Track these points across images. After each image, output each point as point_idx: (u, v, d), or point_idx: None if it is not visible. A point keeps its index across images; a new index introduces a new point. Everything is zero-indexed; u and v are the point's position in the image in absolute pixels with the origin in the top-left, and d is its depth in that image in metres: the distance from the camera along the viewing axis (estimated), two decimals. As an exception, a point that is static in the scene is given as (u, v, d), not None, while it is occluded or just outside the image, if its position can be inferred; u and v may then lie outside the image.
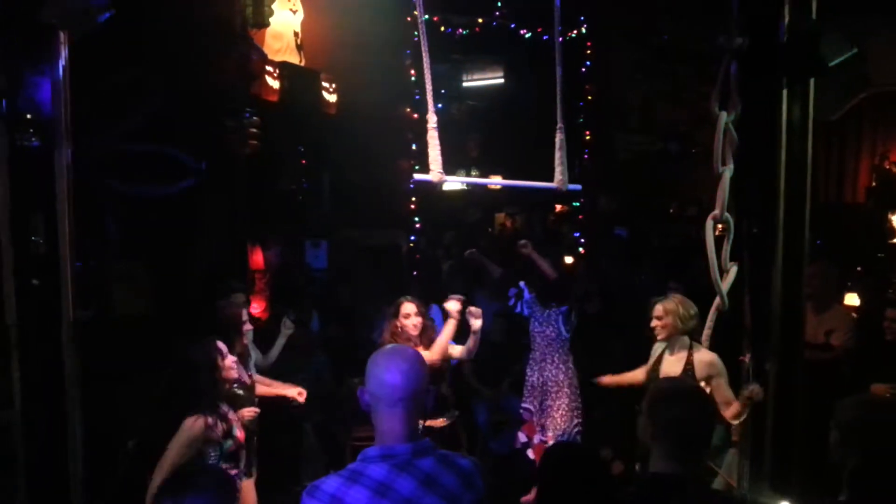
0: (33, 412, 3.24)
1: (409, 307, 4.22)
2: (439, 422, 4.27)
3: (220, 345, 3.42)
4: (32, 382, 3.22)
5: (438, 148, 3.63)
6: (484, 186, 8.63)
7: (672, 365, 3.85)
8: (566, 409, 5.10)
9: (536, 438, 5.21)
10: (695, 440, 2.13)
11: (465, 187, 9.18)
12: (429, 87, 3.65)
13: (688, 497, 2.03)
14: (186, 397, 3.18)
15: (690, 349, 3.82)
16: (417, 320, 4.19)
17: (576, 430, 5.13)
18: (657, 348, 4.06)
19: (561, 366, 5.18)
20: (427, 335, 4.25)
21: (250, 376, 4.07)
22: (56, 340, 3.28)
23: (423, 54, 3.63)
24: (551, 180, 3.86)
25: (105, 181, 4.57)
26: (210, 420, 3.15)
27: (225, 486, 2.46)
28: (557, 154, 3.79)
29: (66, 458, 3.27)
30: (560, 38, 3.83)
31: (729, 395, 3.68)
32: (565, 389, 5.13)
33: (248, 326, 4.07)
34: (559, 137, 3.78)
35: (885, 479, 2.09)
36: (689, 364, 3.78)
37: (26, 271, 3.30)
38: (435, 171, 3.62)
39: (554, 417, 5.10)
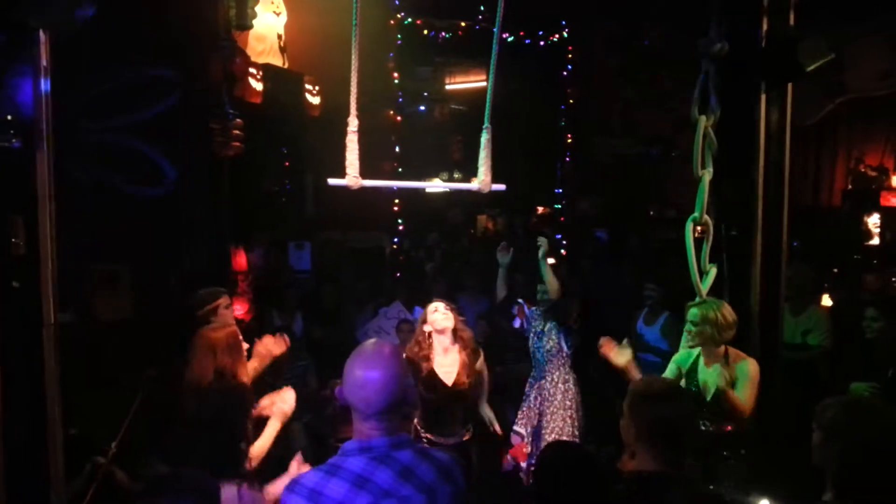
0: (13, 416, 3.20)
1: (435, 304, 4.03)
2: (450, 441, 4.04)
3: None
4: (12, 386, 3.18)
5: (357, 152, 3.62)
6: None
7: (710, 376, 3.51)
8: (558, 435, 4.75)
9: (526, 464, 4.86)
10: (679, 439, 2.14)
11: (446, 190, 9.21)
12: (354, 89, 3.59)
13: (673, 496, 2.05)
14: (221, 463, 2.62)
15: (727, 356, 3.55)
16: (447, 312, 3.99)
17: None
18: (686, 356, 3.72)
19: (560, 384, 4.83)
20: (461, 335, 4.03)
21: None
22: (36, 344, 3.24)
23: (353, 55, 3.56)
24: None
25: (91, 175, 4.51)
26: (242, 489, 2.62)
27: (205, 492, 2.41)
28: (482, 154, 3.72)
29: (47, 462, 3.23)
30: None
31: (748, 400, 3.42)
32: (560, 412, 4.79)
33: (245, 345, 3.64)
34: (485, 138, 3.73)
35: (868, 478, 2.11)
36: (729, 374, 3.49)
37: (6, 274, 3.26)
38: (350, 175, 3.61)
39: (545, 441, 4.73)
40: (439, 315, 3.97)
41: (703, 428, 3.45)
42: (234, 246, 5.64)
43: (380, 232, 8.20)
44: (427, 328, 3.99)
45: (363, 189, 3.63)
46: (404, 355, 3.61)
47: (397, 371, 1.87)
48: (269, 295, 6.29)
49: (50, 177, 3.26)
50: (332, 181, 3.63)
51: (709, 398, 3.45)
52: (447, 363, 3.96)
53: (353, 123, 3.62)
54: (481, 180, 3.70)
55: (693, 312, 3.58)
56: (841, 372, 4.40)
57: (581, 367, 5.16)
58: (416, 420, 4.07)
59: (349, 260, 8.06)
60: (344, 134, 3.63)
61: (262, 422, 3.46)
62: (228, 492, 2.53)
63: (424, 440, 3.98)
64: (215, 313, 4.02)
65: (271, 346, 3.91)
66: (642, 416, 2.15)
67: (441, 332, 3.95)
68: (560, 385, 4.84)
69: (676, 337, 4.03)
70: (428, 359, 3.97)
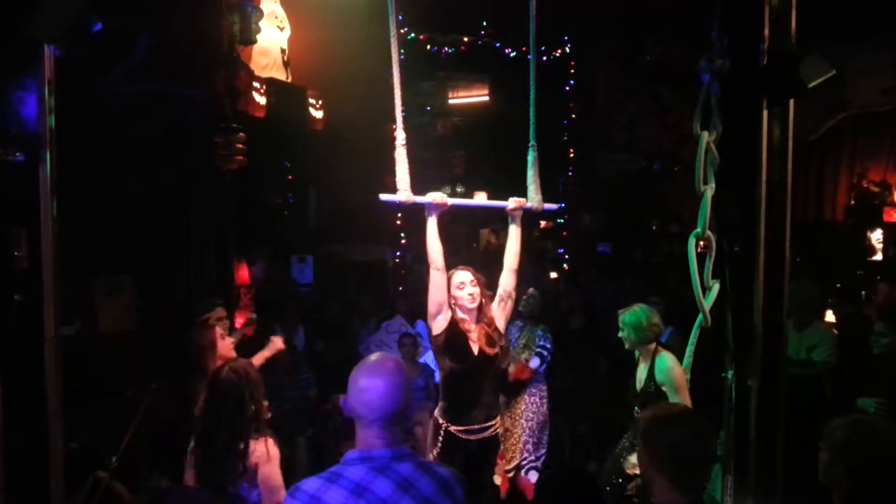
0: (14, 428, 3.19)
1: (462, 275, 3.59)
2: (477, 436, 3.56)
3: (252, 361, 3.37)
4: (14, 398, 3.18)
5: (406, 166, 3.44)
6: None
7: (641, 371, 4.08)
8: (517, 439, 5.00)
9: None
10: (695, 466, 2.04)
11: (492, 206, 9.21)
12: (398, 102, 3.50)
13: None
14: (231, 430, 2.76)
15: (654, 354, 3.99)
16: (475, 290, 3.55)
17: (529, 463, 5.02)
18: (636, 354, 4.23)
19: (525, 396, 5.08)
20: (485, 313, 3.61)
21: None
22: (38, 356, 3.24)
23: (395, 71, 3.53)
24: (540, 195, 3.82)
25: (121, 119, 4.58)
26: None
27: None
28: (531, 172, 3.72)
29: (48, 474, 3.22)
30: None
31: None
32: (521, 421, 5.03)
33: (226, 340, 4.00)
34: (532, 156, 3.72)
35: (876, 500, 2.08)
36: (651, 370, 3.98)
37: (8, 286, 3.27)
38: (403, 190, 3.42)
39: (507, 446, 4.90)
40: (465, 295, 3.55)
41: (636, 415, 3.95)
42: (236, 259, 5.66)
43: (382, 246, 8.21)
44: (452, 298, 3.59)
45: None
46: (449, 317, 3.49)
47: (401, 380, 1.89)
48: (272, 308, 6.29)
49: (53, 190, 3.27)
50: (383, 197, 3.44)
51: (638, 390, 4.04)
52: (472, 336, 3.58)
53: (400, 136, 3.46)
54: (534, 199, 3.71)
55: (619, 319, 4.08)
56: (845, 388, 4.37)
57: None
58: (437, 412, 3.63)
59: (351, 274, 8.07)
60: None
61: None
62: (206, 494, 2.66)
63: (446, 433, 3.53)
64: (204, 325, 4.08)
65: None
66: (655, 442, 2.06)
67: (466, 311, 3.58)
68: (525, 397, 5.05)
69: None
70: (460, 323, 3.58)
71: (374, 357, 1.97)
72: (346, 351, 6.33)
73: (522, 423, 5.03)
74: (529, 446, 5.06)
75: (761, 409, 3.63)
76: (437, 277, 3.48)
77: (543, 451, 5.11)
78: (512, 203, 3.63)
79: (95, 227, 4.43)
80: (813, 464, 2.30)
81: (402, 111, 3.52)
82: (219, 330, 4.01)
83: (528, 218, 3.88)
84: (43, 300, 3.26)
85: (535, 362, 5.06)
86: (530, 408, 5.09)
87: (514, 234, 3.67)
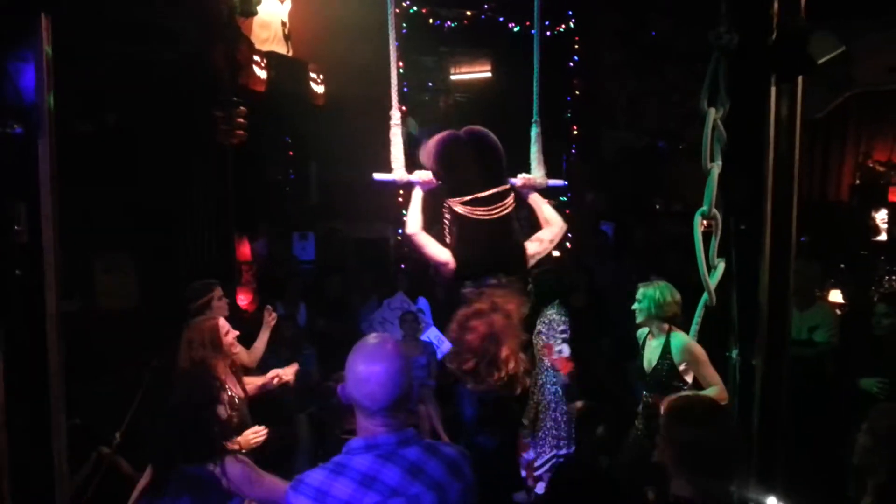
0: (16, 405, 3.19)
1: None
2: None
3: (220, 374, 3.33)
4: (15, 375, 3.17)
5: (401, 146, 3.54)
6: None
7: (653, 351, 4.04)
8: (555, 426, 4.81)
9: (530, 454, 4.97)
10: (716, 465, 1.96)
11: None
12: (394, 81, 3.54)
13: None
14: (176, 446, 2.69)
15: (668, 334, 4.00)
16: None
17: (563, 452, 4.85)
18: (640, 334, 4.21)
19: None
20: None
21: (244, 389, 3.67)
22: (39, 332, 3.23)
23: (392, 50, 3.57)
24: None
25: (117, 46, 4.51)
26: None
27: (207, 487, 2.47)
28: (534, 148, 3.70)
29: (50, 451, 3.23)
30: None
31: (710, 380, 3.82)
32: (563, 406, 4.80)
33: (232, 334, 3.59)
34: (536, 132, 3.69)
35: None
36: (666, 349, 3.97)
37: (8, 261, 3.24)
38: (397, 169, 3.52)
39: (544, 435, 4.83)
40: None
41: (645, 399, 4.06)
42: (237, 236, 5.63)
43: (384, 223, 8.17)
44: None
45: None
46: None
47: (401, 364, 1.80)
48: (273, 285, 6.28)
49: (53, 163, 3.23)
50: (377, 176, 3.50)
51: (648, 372, 4.01)
52: None
53: (395, 116, 3.56)
54: (538, 175, 3.65)
55: (639, 291, 4.07)
56: (848, 368, 4.37)
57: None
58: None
59: (353, 250, 8.05)
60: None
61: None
62: (207, 471, 2.59)
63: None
64: (209, 306, 3.99)
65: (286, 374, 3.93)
66: (677, 438, 2.00)
67: None
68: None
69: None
70: None
71: (371, 340, 1.86)
72: (347, 328, 6.33)
73: (563, 408, 4.82)
74: (565, 434, 4.85)
75: (765, 388, 3.63)
76: (422, 238, 3.50)
77: (568, 443, 4.87)
78: (520, 180, 3.58)
79: (94, 203, 4.40)
80: (817, 443, 2.29)
81: (404, 89, 3.50)
82: (223, 324, 3.59)
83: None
84: (44, 275, 3.24)
85: (566, 350, 4.75)
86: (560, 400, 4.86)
87: (538, 203, 3.66)
